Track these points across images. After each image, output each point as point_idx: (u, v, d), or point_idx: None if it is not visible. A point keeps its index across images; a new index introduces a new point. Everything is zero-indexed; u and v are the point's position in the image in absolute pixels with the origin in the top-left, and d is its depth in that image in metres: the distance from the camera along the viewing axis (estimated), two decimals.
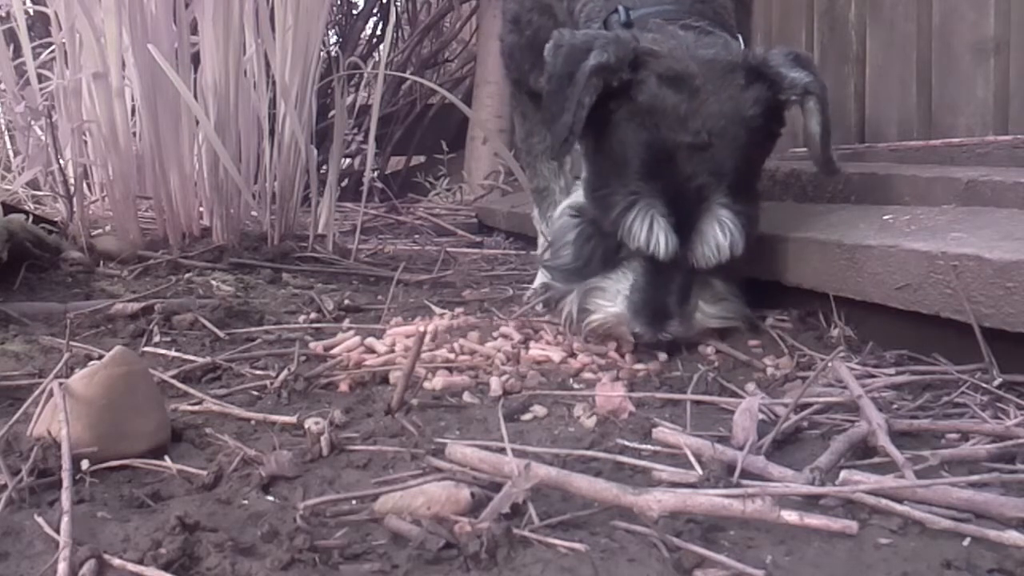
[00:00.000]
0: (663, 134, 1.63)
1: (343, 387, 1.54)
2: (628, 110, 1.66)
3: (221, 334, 1.85)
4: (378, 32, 6.13)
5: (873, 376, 1.49)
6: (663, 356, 1.70)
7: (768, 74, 1.68)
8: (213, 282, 2.37)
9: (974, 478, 1.07)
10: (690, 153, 1.62)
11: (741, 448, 1.16)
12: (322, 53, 3.50)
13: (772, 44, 3.02)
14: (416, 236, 3.80)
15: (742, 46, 1.77)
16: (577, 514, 1.01)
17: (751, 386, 1.52)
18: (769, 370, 1.62)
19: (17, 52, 2.97)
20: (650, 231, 1.63)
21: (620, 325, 1.70)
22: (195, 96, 2.70)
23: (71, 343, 1.62)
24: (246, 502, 1.08)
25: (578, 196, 1.86)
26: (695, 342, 1.75)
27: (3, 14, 3.14)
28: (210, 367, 1.62)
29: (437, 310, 2.06)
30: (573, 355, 1.70)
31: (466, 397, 1.49)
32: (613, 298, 1.71)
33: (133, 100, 2.78)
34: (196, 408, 1.41)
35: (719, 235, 1.64)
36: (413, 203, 4.77)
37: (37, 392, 1.26)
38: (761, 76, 1.68)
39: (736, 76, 1.67)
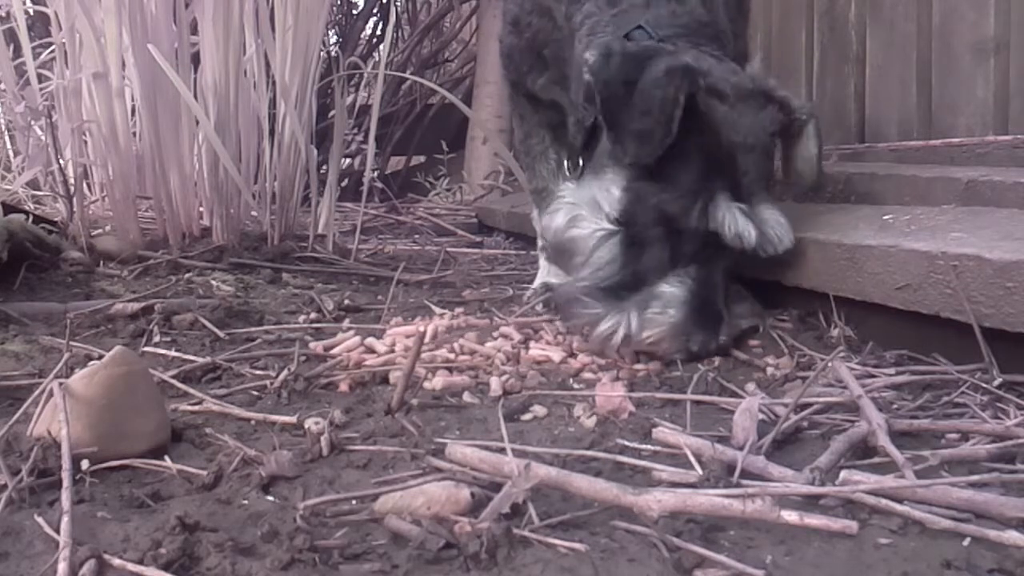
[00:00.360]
0: (721, 136, 1.71)
1: (343, 387, 1.54)
2: (686, 116, 1.69)
3: (221, 334, 1.85)
4: (378, 32, 6.14)
5: (873, 376, 1.49)
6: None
7: (778, 99, 1.79)
8: (213, 282, 2.37)
9: (974, 478, 1.07)
10: (744, 153, 1.72)
11: (741, 448, 1.16)
12: (322, 53, 3.50)
13: (772, 44, 3.03)
14: (416, 236, 3.80)
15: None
16: (577, 514, 1.01)
17: (751, 386, 1.52)
18: (769, 370, 1.62)
19: (17, 52, 2.97)
20: (736, 221, 1.69)
21: (677, 336, 1.67)
22: (195, 96, 2.70)
23: (71, 343, 1.62)
24: (246, 502, 1.08)
25: (571, 199, 1.84)
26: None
27: (3, 14, 3.14)
28: (210, 367, 1.62)
29: (437, 310, 2.06)
30: (573, 355, 1.70)
31: (466, 397, 1.49)
32: (666, 308, 1.67)
33: (133, 100, 2.78)
34: (196, 408, 1.41)
35: (781, 219, 1.74)
36: (413, 203, 4.77)
37: (37, 392, 1.26)
38: (772, 100, 1.78)
39: (755, 98, 1.76)
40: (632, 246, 1.73)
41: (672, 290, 1.69)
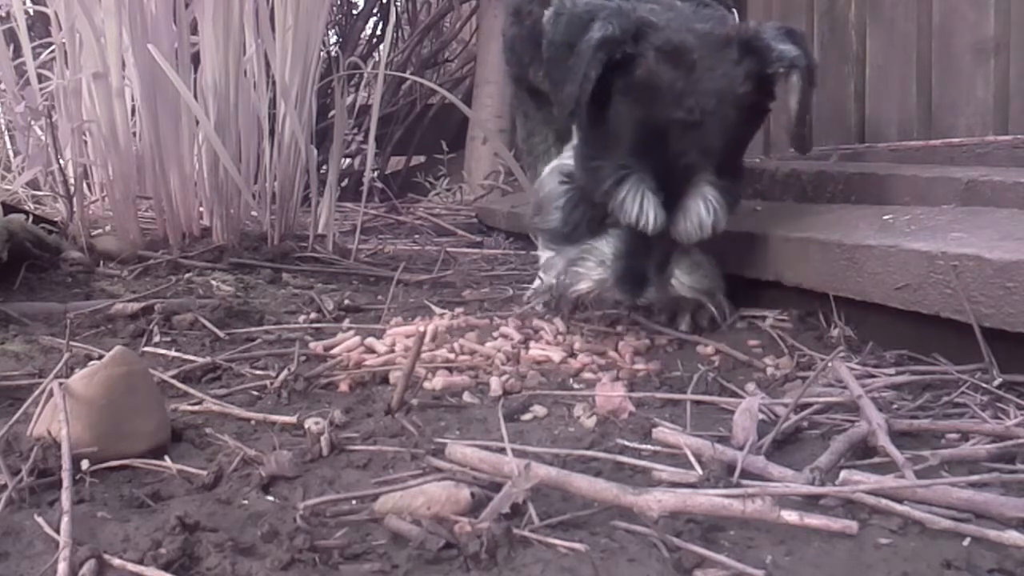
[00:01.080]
0: (657, 111, 1.65)
1: (343, 387, 1.54)
2: (625, 83, 1.68)
3: (221, 334, 1.85)
4: (378, 32, 6.13)
5: (873, 376, 1.49)
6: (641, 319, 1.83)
7: (758, 47, 1.69)
8: (213, 282, 2.37)
9: (974, 478, 1.07)
10: (682, 131, 1.64)
11: (741, 448, 1.16)
12: (322, 53, 3.50)
13: None
14: (416, 236, 3.80)
15: (736, 19, 1.80)
16: (577, 514, 1.01)
17: (751, 386, 1.52)
18: (769, 370, 1.63)
19: (17, 52, 2.96)
20: (640, 207, 1.67)
21: (603, 292, 1.77)
22: (195, 96, 2.70)
23: (71, 343, 1.62)
24: (246, 502, 1.08)
25: (566, 159, 1.90)
26: (671, 308, 1.86)
27: (3, 14, 3.14)
28: (210, 367, 1.62)
29: (437, 310, 2.06)
30: (573, 355, 1.70)
31: (466, 397, 1.49)
32: (597, 265, 1.77)
33: (133, 100, 2.78)
34: (196, 408, 1.41)
35: (703, 212, 1.68)
36: (413, 203, 4.76)
37: (37, 392, 1.26)
38: (752, 50, 1.69)
39: (730, 51, 1.68)
40: (576, 203, 1.84)
41: (596, 251, 1.77)
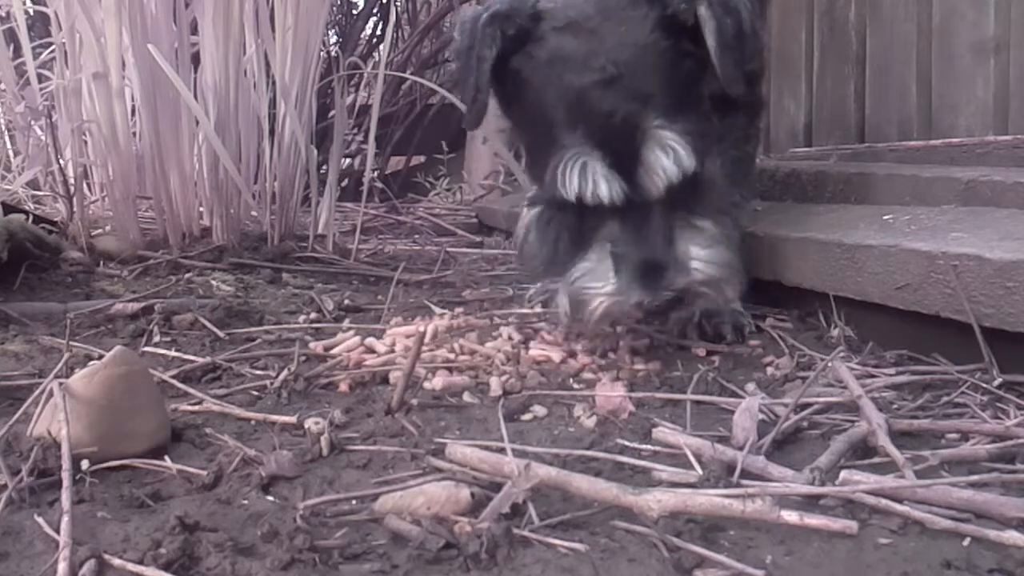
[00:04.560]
0: (571, 79, 1.56)
1: (343, 387, 1.54)
2: (532, 67, 1.61)
3: (221, 334, 1.85)
4: (378, 32, 6.13)
5: (873, 376, 1.49)
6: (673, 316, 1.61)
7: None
8: (213, 282, 2.37)
9: (974, 478, 1.07)
10: (603, 90, 1.54)
11: (741, 448, 1.16)
12: (322, 53, 3.49)
13: (772, 44, 3.03)
14: (416, 236, 3.80)
15: None
16: (577, 514, 1.01)
17: (751, 386, 1.52)
18: (769, 370, 1.62)
19: (17, 52, 2.96)
20: (585, 178, 1.54)
21: (623, 303, 1.56)
22: (195, 96, 2.70)
23: (71, 343, 1.62)
24: (246, 502, 1.08)
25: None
26: (700, 293, 1.59)
27: (3, 14, 3.14)
28: (210, 367, 1.62)
29: (437, 310, 2.06)
30: (573, 355, 1.70)
31: (466, 397, 1.49)
32: (604, 276, 1.57)
33: (133, 100, 2.78)
34: (196, 408, 1.41)
35: (662, 157, 1.53)
36: (413, 203, 4.76)
37: (37, 392, 1.26)
38: (654, 3, 1.59)
39: (637, 7, 1.59)
40: (546, 222, 1.68)
41: (594, 263, 1.59)
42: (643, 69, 1.56)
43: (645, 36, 1.57)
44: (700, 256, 1.57)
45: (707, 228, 1.61)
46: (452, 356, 1.68)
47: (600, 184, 1.53)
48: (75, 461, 1.10)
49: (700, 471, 1.12)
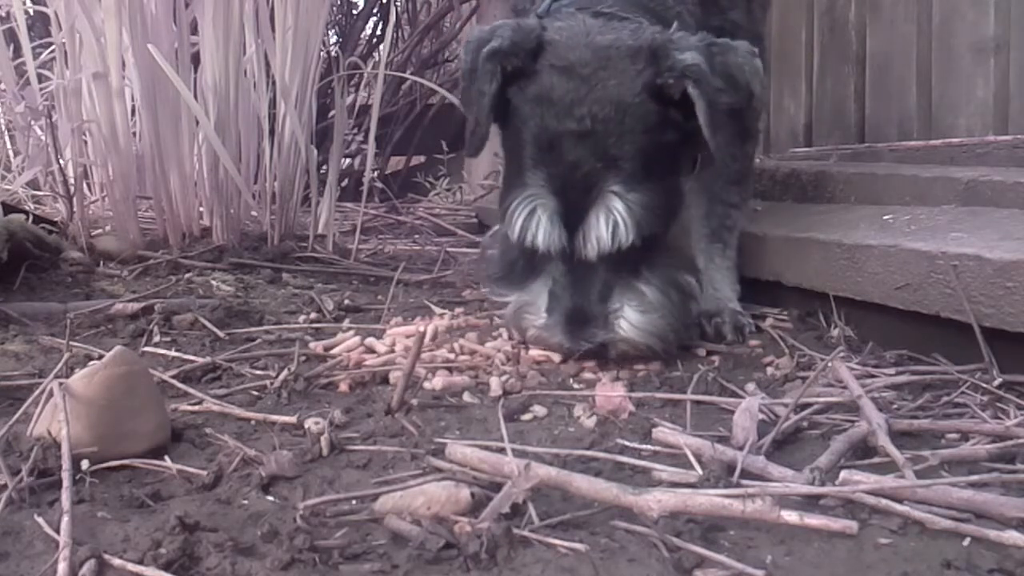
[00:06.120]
0: (549, 122, 1.59)
1: (343, 387, 1.54)
2: (523, 100, 1.64)
3: (221, 334, 1.85)
4: (378, 32, 6.13)
5: (873, 376, 1.49)
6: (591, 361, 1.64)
7: (660, 56, 1.59)
8: (213, 282, 2.37)
9: (974, 478, 1.07)
10: (576, 141, 1.57)
11: (741, 448, 1.16)
12: (322, 53, 3.49)
13: (772, 44, 3.03)
14: (416, 236, 3.80)
15: (674, 30, 1.66)
16: (577, 514, 1.01)
17: (751, 386, 1.52)
18: (769, 370, 1.63)
19: (17, 52, 2.96)
20: (530, 222, 1.59)
21: (550, 339, 1.65)
22: (195, 96, 2.70)
23: (71, 343, 1.62)
24: (246, 502, 1.08)
25: None
26: (623, 350, 1.63)
27: (3, 14, 3.14)
28: (210, 367, 1.62)
29: (437, 310, 2.06)
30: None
31: (466, 397, 1.49)
32: (538, 311, 1.66)
33: (133, 100, 2.78)
34: (196, 408, 1.41)
35: (602, 224, 1.56)
36: (413, 203, 4.76)
37: (37, 392, 1.26)
38: (656, 59, 1.60)
39: (634, 61, 1.60)
40: (508, 244, 1.72)
41: (535, 295, 1.66)
42: (619, 129, 1.58)
43: (632, 96, 1.59)
44: (631, 319, 1.61)
45: (648, 294, 1.63)
46: (452, 356, 1.68)
47: (540, 233, 1.59)
48: (75, 461, 1.10)
49: (700, 471, 1.12)
